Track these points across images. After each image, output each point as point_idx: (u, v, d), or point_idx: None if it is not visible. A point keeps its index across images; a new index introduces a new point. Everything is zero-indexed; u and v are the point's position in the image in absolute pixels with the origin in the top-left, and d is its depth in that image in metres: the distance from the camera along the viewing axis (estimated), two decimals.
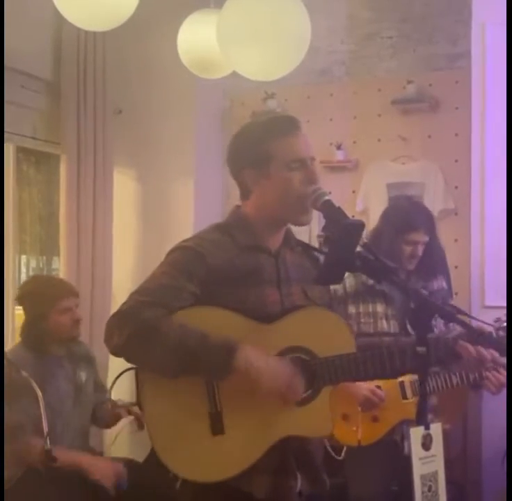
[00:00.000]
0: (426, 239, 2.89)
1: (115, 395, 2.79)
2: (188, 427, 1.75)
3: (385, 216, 3.01)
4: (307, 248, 2.04)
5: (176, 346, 1.70)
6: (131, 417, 3.00)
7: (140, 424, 2.87)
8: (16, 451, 2.76)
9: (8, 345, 3.77)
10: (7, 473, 2.84)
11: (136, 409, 2.82)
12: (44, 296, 3.02)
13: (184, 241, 1.89)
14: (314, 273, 1.95)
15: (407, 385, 2.79)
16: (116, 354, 1.77)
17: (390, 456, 2.73)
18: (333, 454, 2.81)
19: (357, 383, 2.70)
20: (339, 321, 1.94)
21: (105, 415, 3.14)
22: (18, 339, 3.17)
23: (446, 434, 1.75)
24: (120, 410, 3.02)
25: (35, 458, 2.64)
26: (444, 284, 3.01)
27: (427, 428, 1.68)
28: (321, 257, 2.00)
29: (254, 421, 1.77)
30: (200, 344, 1.70)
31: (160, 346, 1.71)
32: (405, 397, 2.79)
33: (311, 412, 1.82)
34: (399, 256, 2.85)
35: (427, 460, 1.68)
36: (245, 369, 1.71)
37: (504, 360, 1.96)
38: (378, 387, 2.77)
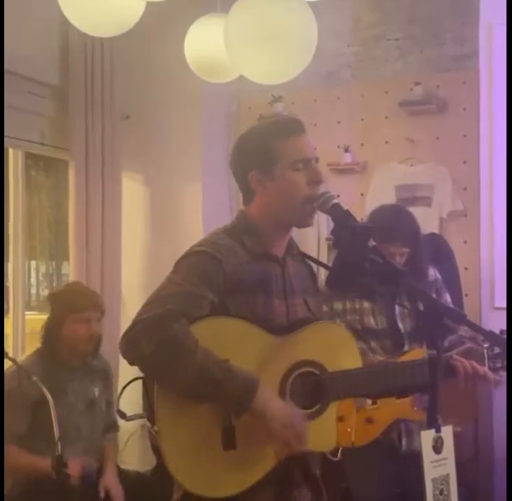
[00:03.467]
0: (405, 250, 2.78)
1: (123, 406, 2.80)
2: (200, 441, 1.73)
3: (369, 220, 2.90)
4: (305, 256, 2.02)
5: (200, 369, 1.66)
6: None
7: None
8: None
9: (18, 350, 3.78)
10: (13, 480, 2.85)
11: None
12: (68, 301, 3.02)
13: (197, 245, 1.84)
14: (311, 284, 1.97)
15: None
16: (138, 363, 1.71)
17: (388, 455, 2.71)
18: (329, 455, 2.80)
19: None
20: (348, 336, 1.93)
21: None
22: (28, 345, 3.17)
23: (457, 437, 1.75)
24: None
25: (44, 466, 2.65)
26: (438, 275, 2.92)
27: (438, 431, 1.67)
28: (315, 267, 2.01)
29: (264, 436, 1.74)
30: (223, 373, 1.67)
31: (185, 366, 1.66)
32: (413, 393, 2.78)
33: (318, 427, 1.81)
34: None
35: (438, 464, 1.67)
36: (261, 411, 1.69)
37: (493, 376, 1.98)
38: None
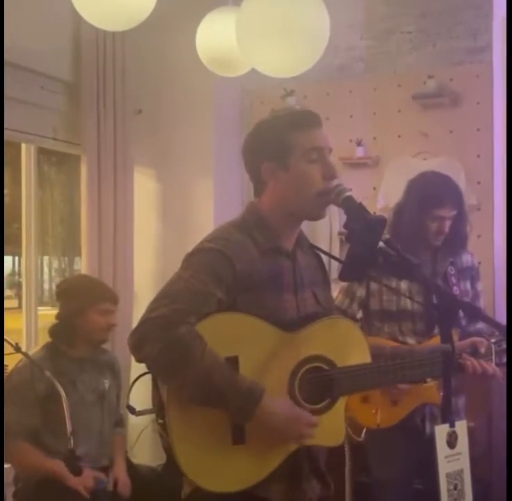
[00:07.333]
0: (454, 213, 2.73)
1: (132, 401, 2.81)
2: (209, 436, 1.73)
3: (409, 190, 2.84)
4: (316, 249, 2.01)
5: (203, 377, 1.66)
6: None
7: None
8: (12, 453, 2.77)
9: (31, 345, 3.79)
10: (25, 474, 2.86)
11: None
12: (88, 292, 3.03)
13: (207, 241, 1.81)
14: (321, 275, 1.96)
15: None
16: (143, 362, 1.71)
17: (412, 439, 2.68)
18: (353, 435, 2.79)
19: None
20: (357, 332, 1.94)
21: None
22: (41, 340, 3.17)
23: (471, 432, 1.73)
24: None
25: (56, 468, 2.66)
26: (474, 262, 2.89)
27: (452, 426, 1.66)
28: (324, 258, 2.00)
29: (274, 431, 1.75)
30: (226, 383, 1.67)
31: (188, 371, 1.66)
32: (424, 381, 2.70)
33: (327, 421, 1.81)
34: (425, 233, 2.70)
35: (452, 459, 1.67)
36: (266, 416, 1.70)
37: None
38: None
